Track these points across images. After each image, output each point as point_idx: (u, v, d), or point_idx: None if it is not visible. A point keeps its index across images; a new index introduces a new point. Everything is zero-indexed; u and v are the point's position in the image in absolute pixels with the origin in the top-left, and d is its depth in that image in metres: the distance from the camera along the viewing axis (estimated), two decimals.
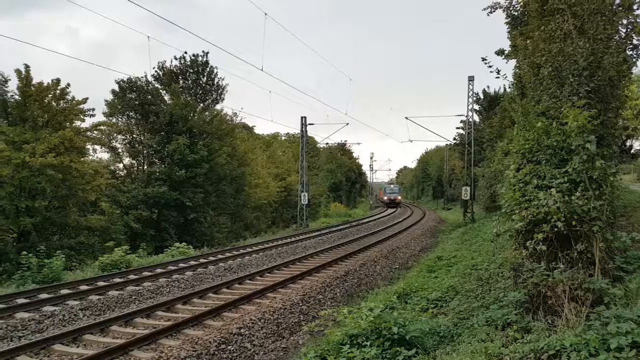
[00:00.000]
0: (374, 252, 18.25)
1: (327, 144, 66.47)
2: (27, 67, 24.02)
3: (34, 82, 24.24)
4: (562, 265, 5.71)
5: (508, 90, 22.10)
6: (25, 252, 14.92)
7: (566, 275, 5.36)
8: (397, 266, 16.05)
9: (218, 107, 39.77)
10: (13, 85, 23.84)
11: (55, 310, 10.13)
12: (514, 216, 6.48)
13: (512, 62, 12.61)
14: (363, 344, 5.61)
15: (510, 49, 11.81)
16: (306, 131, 37.57)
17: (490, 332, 5.49)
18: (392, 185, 79.81)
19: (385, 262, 16.50)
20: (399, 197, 73.99)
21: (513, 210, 6.57)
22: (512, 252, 6.76)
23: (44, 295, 11.43)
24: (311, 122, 39.48)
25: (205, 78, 40.28)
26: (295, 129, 43.65)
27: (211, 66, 39.95)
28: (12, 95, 23.88)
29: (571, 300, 5.03)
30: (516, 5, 10.62)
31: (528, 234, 6.28)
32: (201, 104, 38.54)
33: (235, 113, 42.26)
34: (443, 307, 8.23)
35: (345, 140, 79.11)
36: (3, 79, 23.61)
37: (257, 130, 57.39)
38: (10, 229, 22.95)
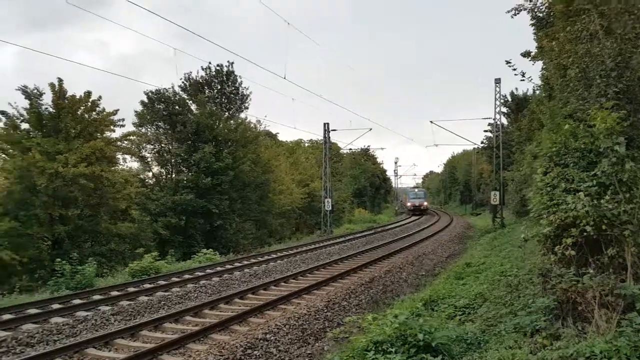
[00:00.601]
0: (400, 259, 18.10)
1: (350, 149, 66.45)
2: (60, 80, 24.92)
3: (67, 95, 25.19)
4: (591, 271, 5.57)
5: (536, 92, 21.72)
6: (59, 259, 15.37)
7: (596, 280, 5.22)
8: (424, 273, 15.87)
9: (242, 115, 40.29)
10: (47, 99, 24.82)
11: (87, 315, 10.41)
12: (542, 221, 6.35)
13: (539, 64, 12.43)
14: (388, 350, 5.58)
15: (536, 50, 11.63)
16: (329, 137, 37.65)
17: (518, 339, 5.40)
18: (416, 190, 68.75)
19: (411, 269, 16.35)
20: (425, 203, 63.57)
21: (541, 214, 6.44)
22: (540, 257, 6.62)
23: (77, 301, 11.77)
24: (334, 128, 39.49)
25: (229, 87, 40.86)
26: (318, 135, 43.80)
27: (235, 75, 40.50)
28: (47, 108, 24.77)
29: (601, 307, 4.90)
30: (541, 7, 10.44)
31: (557, 239, 6.15)
32: (226, 113, 39.11)
33: (259, 121, 42.69)
34: (471, 314, 8.11)
35: (369, 146, 76.28)
36: (38, 93, 24.52)
37: (280, 137, 57.85)
38: (45, 237, 23.72)
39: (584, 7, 7.70)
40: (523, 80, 9.31)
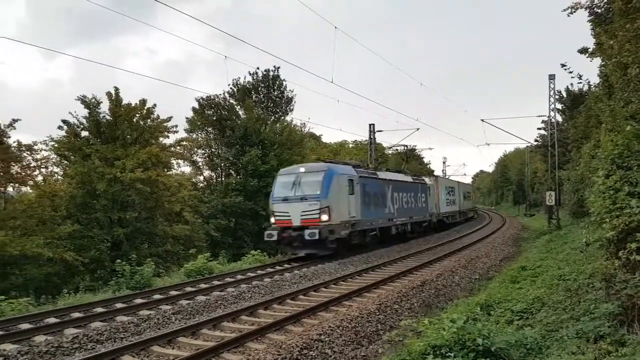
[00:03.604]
0: (451, 262, 17.85)
1: (396, 150, 65.67)
2: (116, 89, 26.28)
3: (122, 103, 26.50)
4: None
5: (592, 88, 20.90)
6: (119, 260, 16.17)
7: None
8: (477, 276, 15.60)
9: (288, 118, 40.98)
10: (104, 107, 26.21)
11: (150, 314, 10.88)
12: (605, 225, 6.18)
13: (597, 60, 11.99)
14: (447, 354, 5.61)
15: (594, 46, 11.23)
16: (375, 138, 37.52)
17: (581, 345, 5.29)
18: (301, 170, 19.23)
19: (464, 272, 16.10)
20: (326, 217, 17.74)
21: (603, 218, 6.27)
22: (603, 262, 6.43)
23: (139, 300, 12.31)
24: (380, 128, 39.24)
25: (275, 91, 41.64)
26: (364, 136, 43.78)
27: (281, 80, 41.24)
28: (104, 116, 26.16)
29: None
30: (599, 3, 10.05)
31: (620, 243, 5.97)
32: (272, 117, 39.90)
33: (304, 123, 43.25)
34: (529, 319, 7.97)
35: (415, 146, 74.17)
36: (96, 102, 25.92)
37: (324, 139, 58.22)
38: (105, 239, 25.06)
39: None
40: (580, 82, 9.05)
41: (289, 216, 18.12)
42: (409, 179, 27.90)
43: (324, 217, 17.58)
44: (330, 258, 18.49)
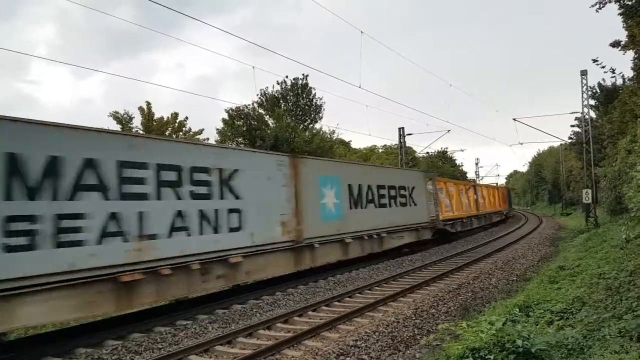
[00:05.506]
0: (488, 265, 17.53)
1: (427, 153, 65.01)
2: (148, 104, 26.89)
3: (154, 117, 27.12)
4: None
5: (627, 82, 20.28)
6: None
7: None
8: (515, 278, 15.28)
9: (317, 125, 41.08)
10: (137, 122, 26.81)
11: (187, 323, 11.03)
12: None
13: (630, 53, 11.69)
14: (486, 357, 5.54)
15: (626, 39, 10.93)
16: (404, 142, 37.29)
17: (624, 344, 5.14)
18: None
19: (500, 274, 15.80)
20: None
21: None
22: None
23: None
24: (410, 132, 39.02)
25: (304, 99, 41.81)
26: (393, 140, 43.54)
27: (310, 87, 41.39)
28: (137, 131, 26.70)
29: None
30: None
31: None
32: (301, 125, 40.08)
33: (333, 130, 43.26)
34: (569, 319, 7.77)
35: (446, 148, 73.13)
36: (128, 117, 26.51)
37: (354, 144, 58.16)
38: None
39: None
40: (614, 76, 8.82)
41: None
42: None
43: None
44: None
